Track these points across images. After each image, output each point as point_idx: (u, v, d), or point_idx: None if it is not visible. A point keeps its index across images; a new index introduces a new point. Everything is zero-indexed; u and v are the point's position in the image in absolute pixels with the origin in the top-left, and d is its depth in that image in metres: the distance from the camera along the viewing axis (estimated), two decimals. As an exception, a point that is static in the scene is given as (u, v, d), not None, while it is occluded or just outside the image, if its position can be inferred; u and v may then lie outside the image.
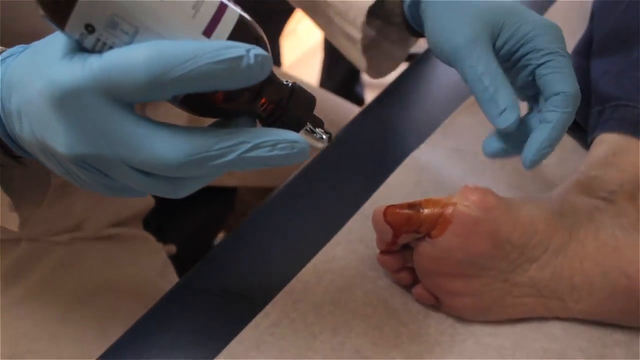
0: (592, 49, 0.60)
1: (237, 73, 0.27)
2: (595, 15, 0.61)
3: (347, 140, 0.57)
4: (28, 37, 0.34)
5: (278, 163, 0.30)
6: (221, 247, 0.50)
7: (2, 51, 0.34)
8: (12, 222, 0.38)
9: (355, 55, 0.59)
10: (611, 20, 0.58)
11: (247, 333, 0.44)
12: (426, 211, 0.42)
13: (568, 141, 0.58)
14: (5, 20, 0.44)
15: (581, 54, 0.63)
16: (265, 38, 0.31)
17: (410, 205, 0.43)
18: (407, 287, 0.47)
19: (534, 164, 0.42)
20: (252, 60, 0.27)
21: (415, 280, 0.46)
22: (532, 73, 0.42)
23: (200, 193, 0.78)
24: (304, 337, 0.44)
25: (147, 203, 0.72)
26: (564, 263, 0.44)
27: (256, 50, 0.28)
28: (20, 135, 0.31)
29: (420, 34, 0.53)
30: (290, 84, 0.33)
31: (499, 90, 0.40)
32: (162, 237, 0.73)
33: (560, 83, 0.41)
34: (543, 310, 0.45)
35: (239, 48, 0.27)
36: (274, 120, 0.32)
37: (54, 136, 0.29)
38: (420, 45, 0.62)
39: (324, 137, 0.34)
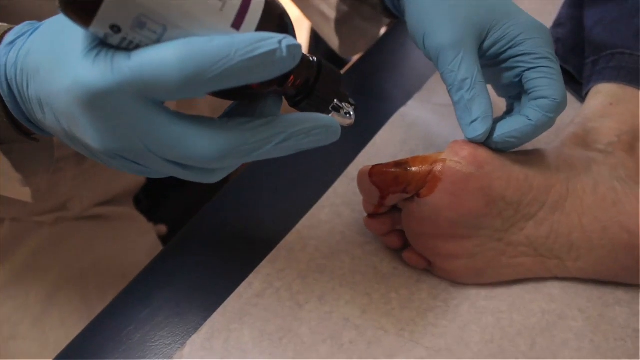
0: (585, -3, 0.58)
1: (270, 66, 0.27)
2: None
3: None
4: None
5: (311, 147, 0.30)
6: (202, 215, 0.48)
7: (9, 29, 0.32)
8: (24, 195, 0.39)
9: (329, 34, 0.58)
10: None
11: (230, 304, 0.42)
12: (414, 169, 0.40)
13: (563, 95, 0.56)
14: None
15: (575, 4, 0.60)
16: (290, 19, 0.31)
17: (397, 164, 0.41)
18: (397, 251, 0.45)
19: (493, 144, 0.41)
20: (284, 53, 0.27)
21: (406, 244, 0.44)
22: (519, 75, 0.42)
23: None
24: (290, 307, 0.42)
25: (137, 180, 0.70)
26: (561, 219, 0.42)
27: (287, 40, 0.27)
28: (42, 121, 0.31)
29: (396, 17, 0.51)
30: (315, 61, 0.32)
31: (475, 100, 0.40)
32: (153, 216, 0.71)
33: (550, 89, 0.40)
34: (540, 271, 0.44)
35: (271, 40, 0.27)
36: (302, 98, 0.33)
37: (84, 133, 0.28)
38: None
39: (351, 113, 0.34)
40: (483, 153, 0.40)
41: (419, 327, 0.41)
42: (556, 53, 0.56)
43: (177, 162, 0.29)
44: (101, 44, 0.27)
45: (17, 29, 0.32)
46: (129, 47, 0.27)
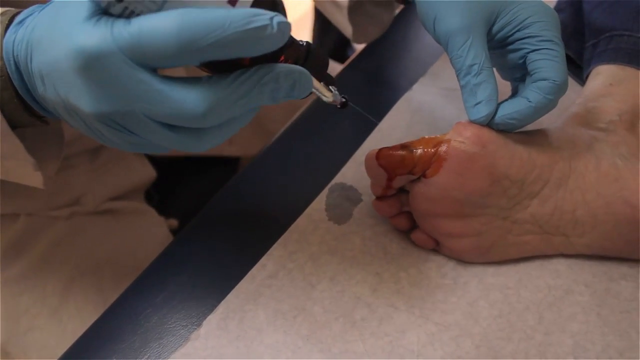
0: (587, -18, 0.59)
1: (261, 40, 0.28)
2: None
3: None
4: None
5: (289, 94, 0.32)
6: (213, 203, 0.50)
7: (19, 11, 0.34)
8: (36, 180, 0.39)
9: (341, 21, 0.59)
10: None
11: (244, 286, 0.43)
12: (420, 150, 0.41)
13: (565, 78, 0.57)
14: None
15: (576, -11, 0.61)
16: (282, 2, 0.33)
17: (403, 146, 0.42)
18: (406, 232, 0.46)
19: (495, 126, 0.42)
20: (275, 29, 0.28)
21: (414, 225, 0.46)
22: (524, 57, 0.43)
23: (202, 164, 0.77)
24: (302, 288, 0.43)
25: (148, 175, 0.71)
26: (565, 196, 0.43)
27: (278, 18, 0.28)
28: (43, 95, 0.32)
29: (408, 2, 0.53)
30: (305, 44, 0.34)
31: (481, 84, 0.41)
32: (164, 211, 0.73)
33: (551, 70, 0.41)
34: (546, 248, 0.45)
35: (263, 16, 0.28)
36: None
37: (79, 97, 0.29)
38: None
39: (334, 91, 0.36)
40: (486, 133, 0.41)
41: (429, 304, 0.43)
42: (557, 38, 0.58)
43: (167, 125, 0.30)
44: (102, 13, 0.28)
45: (27, 10, 0.33)
46: (129, 16, 0.28)
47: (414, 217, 0.45)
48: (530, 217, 0.43)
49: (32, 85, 0.32)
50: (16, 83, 0.33)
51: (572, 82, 0.56)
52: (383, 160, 0.42)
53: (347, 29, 0.59)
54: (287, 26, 0.29)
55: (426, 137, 0.42)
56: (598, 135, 0.45)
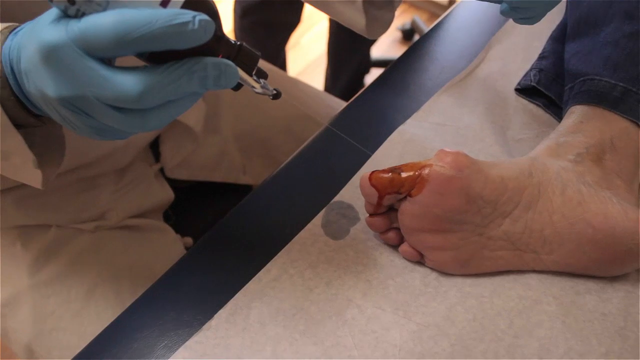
0: (566, 34, 0.65)
1: (184, 35, 0.33)
2: (568, 6, 0.67)
3: (340, 123, 0.63)
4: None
5: (217, 83, 0.36)
6: (228, 216, 0.56)
7: (18, 26, 0.41)
8: (35, 179, 0.44)
9: (354, 16, 0.61)
10: (582, 8, 0.63)
11: (251, 286, 0.49)
12: (406, 173, 0.47)
13: (545, 116, 0.63)
14: (4, 6, 0.50)
15: (557, 40, 0.68)
16: (215, 7, 0.37)
17: (392, 169, 0.48)
18: (395, 247, 0.52)
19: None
20: (196, 25, 0.34)
21: (402, 240, 0.51)
22: None
23: (218, 191, 0.83)
24: (301, 290, 0.49)
25: (167, 197, 0.78)
26: (534, 217, 0.49)
27: (201, 16, 0.34)
28: (28, 90, 0.38)
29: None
30: (238, 43, 0.39)
31: None
32: (181, 229, 0.79)
33: None
34: (519, 263, 0.50)
35: (187, 15, 0.34)
36: None
37: (45, 84, 0.35)
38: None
39: (263, 83, 0.40)
40: (464, 159, 0.47)
41: (412, 307, 0.48)
42: (539, 82, 0.65)
43: (116, 107, 0.35)
44: (63, 16, 0.35)
45: (24, 24, 0.39)
46: (82, 16, 0.34)
47: (401, 232, 0.51)
48: (503, 235, 0.49)
49: (22, 83, 0.38)
50: (11, 82, 0.38)
51: (553, 122, 0.63)
52: (374, 181, 0.48)
53: (360, 22, 0.60)
54: (208, 23, 0.34)
55: (412, 162, 0.49)
56: (566, 165, 0.51)
